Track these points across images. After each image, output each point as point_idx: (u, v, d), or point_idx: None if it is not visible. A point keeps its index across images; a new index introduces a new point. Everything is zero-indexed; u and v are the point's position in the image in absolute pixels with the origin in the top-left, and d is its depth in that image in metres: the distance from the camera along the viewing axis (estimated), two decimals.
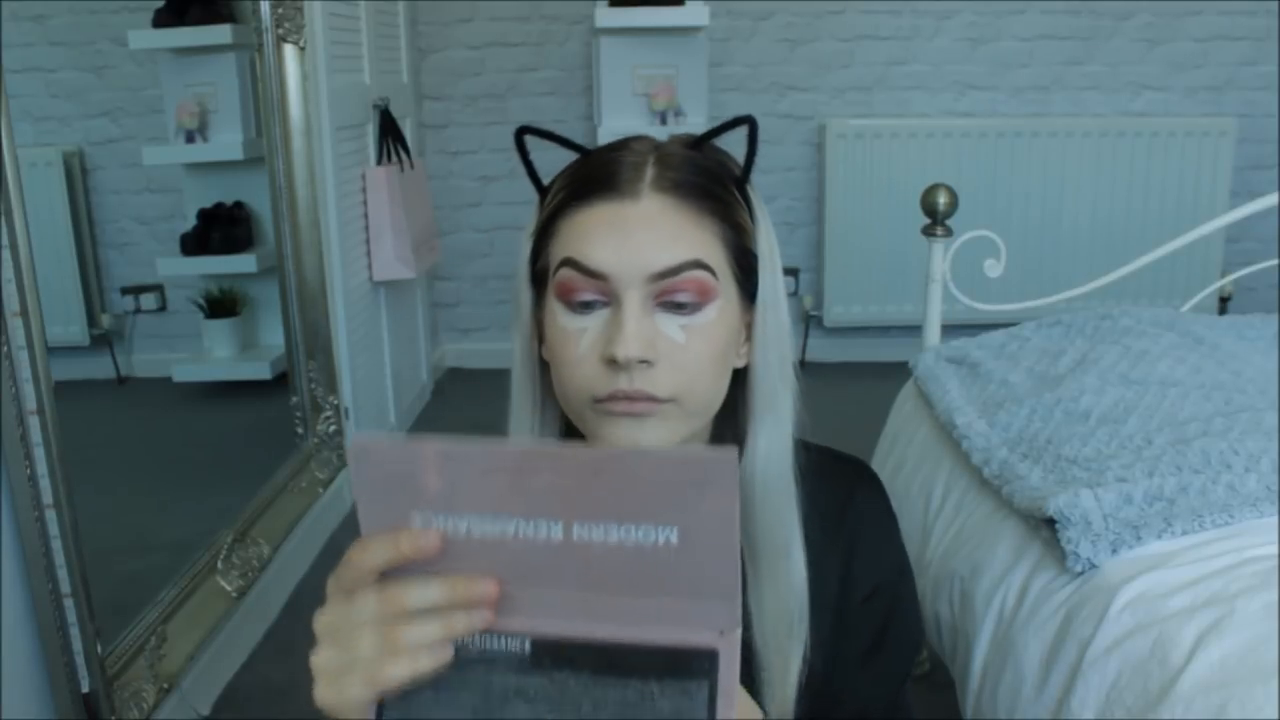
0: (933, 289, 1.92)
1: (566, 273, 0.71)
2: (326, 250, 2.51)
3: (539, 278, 0.75)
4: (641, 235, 0.69)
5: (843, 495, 0.82)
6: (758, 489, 0.74)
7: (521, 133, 0.75)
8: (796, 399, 0.77)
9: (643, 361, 0.69)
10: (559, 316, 0.72)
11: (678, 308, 0.70)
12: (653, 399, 0.70)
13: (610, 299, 0.70)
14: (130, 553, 1.84)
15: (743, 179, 0.74)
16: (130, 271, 2.19)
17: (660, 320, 0.70)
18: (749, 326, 0.75)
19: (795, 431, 0.77)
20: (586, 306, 0.71)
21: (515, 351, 0.78)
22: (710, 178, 0.72)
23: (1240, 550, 1.12)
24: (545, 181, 0.76)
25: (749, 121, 0.71)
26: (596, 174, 0.72)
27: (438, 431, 3.07)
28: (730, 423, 0.78)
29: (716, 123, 0.73)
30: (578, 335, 0.71)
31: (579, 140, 0.77)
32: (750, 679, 0.74)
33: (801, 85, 3.60)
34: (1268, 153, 3.61)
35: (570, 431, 0.78)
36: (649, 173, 0.71)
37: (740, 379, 0.76)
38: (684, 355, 0.70)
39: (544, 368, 0.76)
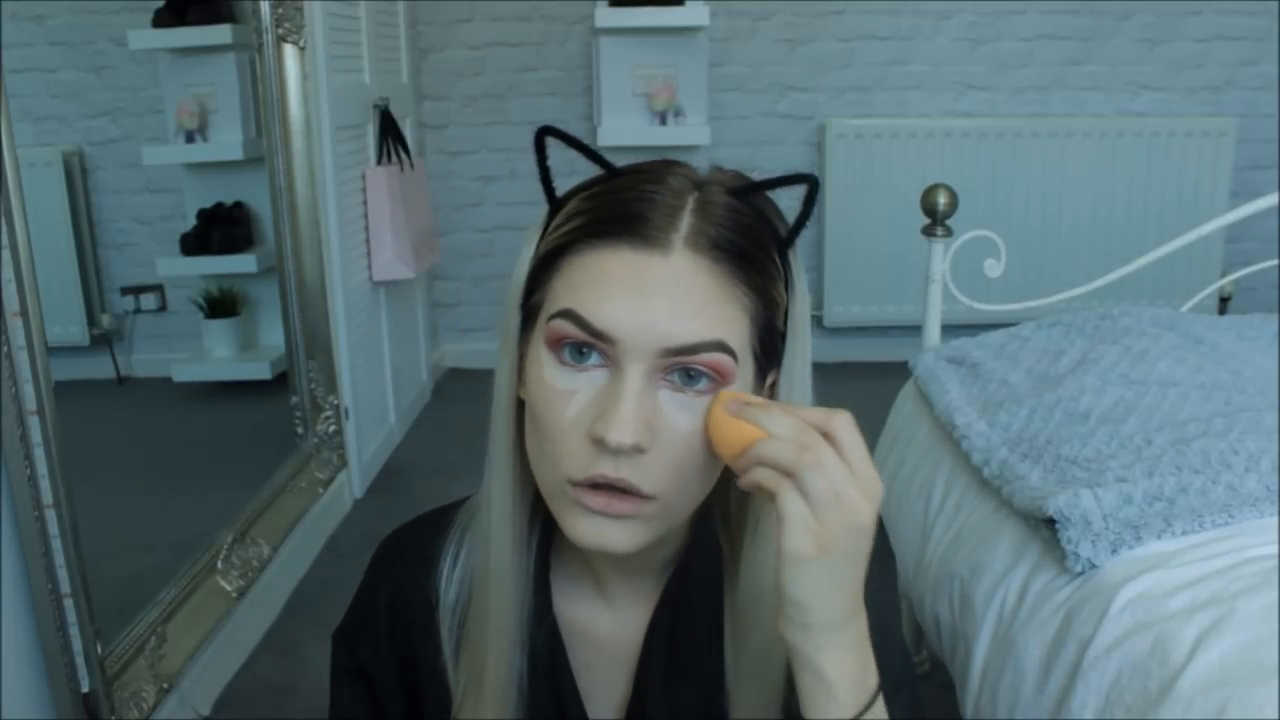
0: (933, 289, 1.92)
1: (564, 325, 0.60)
2: (326, 250, 2.51)
3: (529, 311, 0.65)
4: (663, 300, 0.59)
5: None
6: (761, 603, 0.65)
7: (542, 134, 0.63)
8: None
9: (635, 448, 0.60)
10: (545, 369, 0.62)
11: (688, 382, 0.61)
12: (635, 494, 0.61)
13: (610, 363, 0.61)
14: (130, 553, 1.84)
15: (787, 241, 0.64)
16: (130, 271, 2.18)
17: (663, 399, 0.61)
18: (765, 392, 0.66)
19: None
20: (580, 355, 0.61)
21: (498, 387, 0.68)
22: (752, 239, 0.62)
23: (1240, 550, 1.12)
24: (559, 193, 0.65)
25: (810, 180, 0.60)
26: (625, 211, 0.61)
27: (438, 431, 3.07)
28: (720, 492, 0.67)
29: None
30: (565, 397, 0.61)
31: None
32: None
33: (801, 85, 3.59)
34: (1268, 153, 3.61)
35: None
36: (685, 222, 0.60)
37: None
38: (683, 447, 0.61)
39: (521, 408, 0.67)
